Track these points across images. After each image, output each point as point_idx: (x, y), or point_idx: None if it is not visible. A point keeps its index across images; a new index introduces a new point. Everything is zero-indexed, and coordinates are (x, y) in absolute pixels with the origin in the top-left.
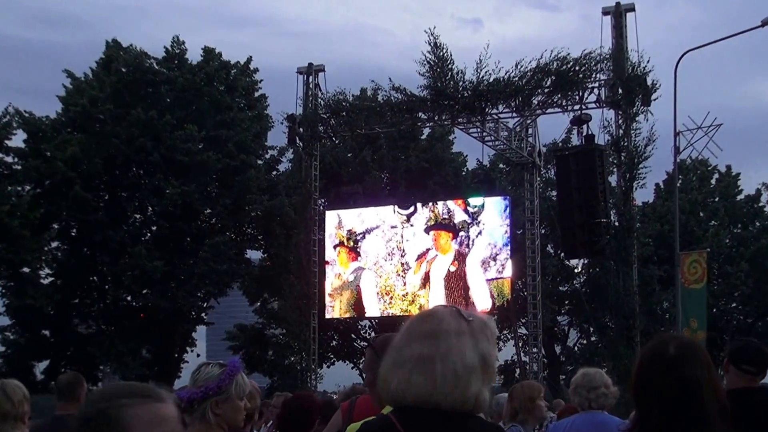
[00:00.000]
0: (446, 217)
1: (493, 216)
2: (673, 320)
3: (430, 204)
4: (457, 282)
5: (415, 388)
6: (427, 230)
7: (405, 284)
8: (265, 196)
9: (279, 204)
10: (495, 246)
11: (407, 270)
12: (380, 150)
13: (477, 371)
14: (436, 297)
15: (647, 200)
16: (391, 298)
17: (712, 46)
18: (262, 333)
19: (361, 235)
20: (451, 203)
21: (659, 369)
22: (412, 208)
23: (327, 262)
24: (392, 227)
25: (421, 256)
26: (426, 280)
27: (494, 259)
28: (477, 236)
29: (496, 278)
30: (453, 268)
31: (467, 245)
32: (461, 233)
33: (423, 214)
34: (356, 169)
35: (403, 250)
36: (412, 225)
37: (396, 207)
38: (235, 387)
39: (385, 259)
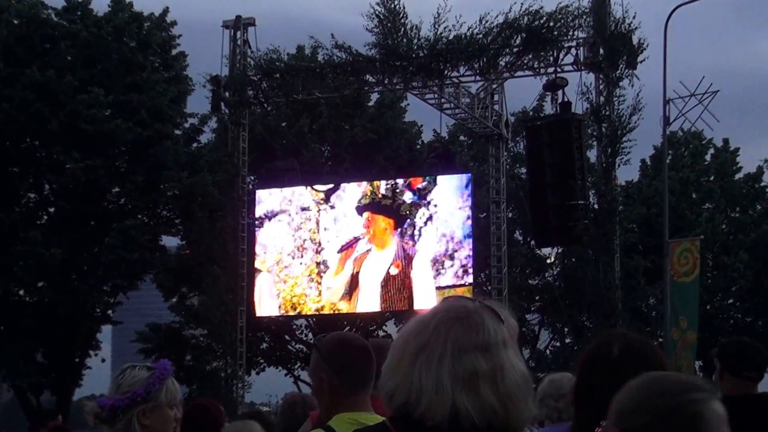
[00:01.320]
0: (387, 195)
1: (448, 197)
2: (660, 319)
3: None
4: (399, 292)
5: (474, 408)
6: (360, 210)
7: (320, 292)
8: (184, 172)
9: (200, 182)
10: (452, 239)
11: (325, 272)
12: (320, 119)
13: (530, 385)
14: (366, 310)
15: (632, 179)
16: (299, 312)
17: (708, 0)
18: (179, 334)
19: (258, 222)
20: (400, 182)
21: (600, 373)
22: (331, 185)
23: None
24: (303, 209)
25: (346, 249)
26: (353, 285)
27: (451, 258)
28: (425, 224)
29: (453, 286)
30: (395, 271)
31: (412, 236)
32: (407, 221)
33: (351, 191)
34: (292, 141)
35: (319, 243)
36: (332, 207)
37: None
38: (165, 393)
39: (293, 255)
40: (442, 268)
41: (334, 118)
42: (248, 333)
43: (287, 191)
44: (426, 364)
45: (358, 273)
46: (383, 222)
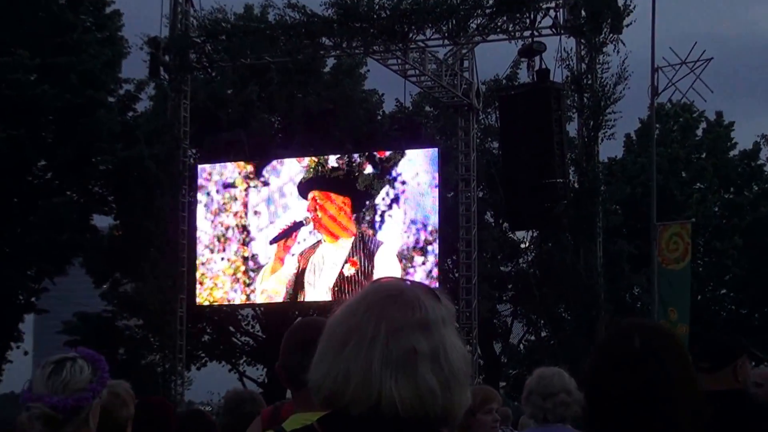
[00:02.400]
0: (338, 167)
1: (420, 173)
2: (647, 310)
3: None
4: None
5: (406, 394)
6: (304, 189)
7: (248, 296)
8: (118, 144)
9: (136, 155)
10: (424, 227)
11: (255, 269)
12: (270, 86)
13: (470, 368)
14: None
15: (615, 155)
16: (243, 303)
17: None
18: (111, 324)
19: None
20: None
21: (619, 366)
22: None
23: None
24: (226, 186)
25: (282, 238)
26: (297, 287)
27: (423, 252)
28: (389, 206)
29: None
30: (351, 270)
31: (372, 222)
32: (367, 202)
33: (291, 166)
34: (239, 110)
35: (247, 232)
36: (265, 183)
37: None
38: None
39: (212, 248)
40: (411, 265)
41: (286, 86)
42: (189, 324)
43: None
44: (355, 348)
45: (304, 271)
46: (336, 202)
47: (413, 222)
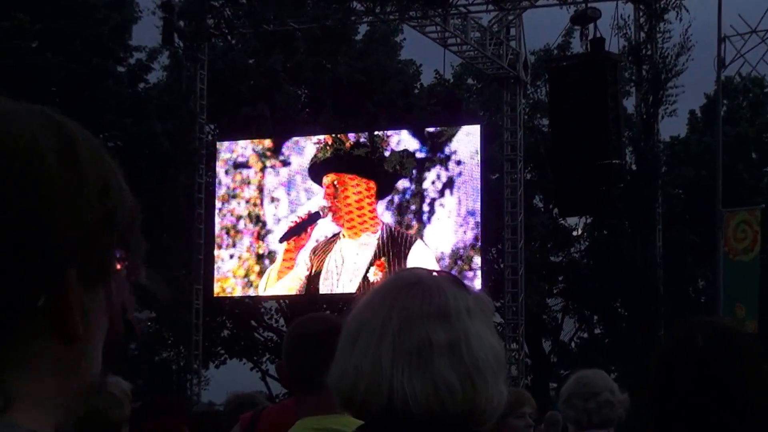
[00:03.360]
0: (361, 143)
1: (475, 155)
2: (711, 305)
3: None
4: None
5: (420, 389)
6: (317, 172)
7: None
8: (128, 119)
9: (148, 131)
10: (475, 217)
11: (267, 265)
12: (296, 55)
13: (502, 363)
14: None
15: (678, 134)
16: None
17: None
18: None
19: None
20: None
21: (683, 367)
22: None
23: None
24: (237, 166)
25: (294, 235)
26: (310, 292)
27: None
28: (440, 193)
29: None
30: (377, 276)
31: (417, 212)
32: (402, 182)
33: (312, 142)
34: (261, 82)
35: (263, 222)
36: (285, 162)
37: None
38: None
39: (220, 242)
40: (469, 268)
41: (314, 55)
42: (206, 317)
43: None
44: (365, 341)
45: (318, 274)
46: (358, 185)
47: (470, 213)
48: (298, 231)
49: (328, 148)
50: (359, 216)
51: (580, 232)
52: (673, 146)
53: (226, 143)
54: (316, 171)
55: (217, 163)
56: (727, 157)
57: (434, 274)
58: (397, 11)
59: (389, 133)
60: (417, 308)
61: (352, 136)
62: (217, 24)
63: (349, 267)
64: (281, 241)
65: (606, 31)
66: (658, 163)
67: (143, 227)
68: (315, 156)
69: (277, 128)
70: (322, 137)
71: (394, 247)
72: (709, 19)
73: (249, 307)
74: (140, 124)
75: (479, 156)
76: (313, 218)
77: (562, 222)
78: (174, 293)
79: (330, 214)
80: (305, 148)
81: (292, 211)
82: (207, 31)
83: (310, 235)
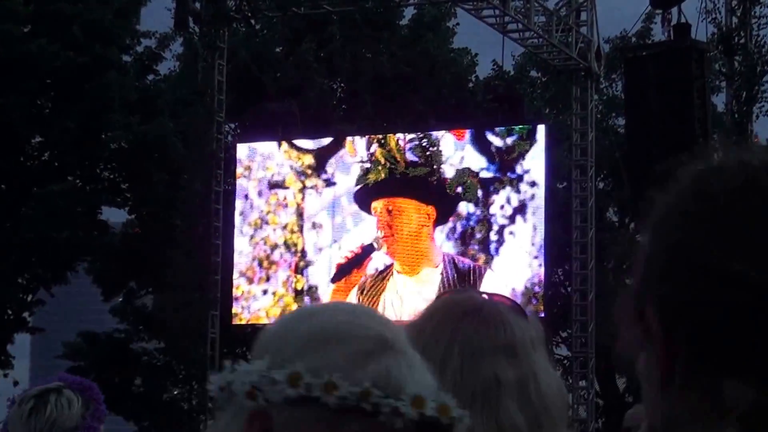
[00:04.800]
0: (418, 162)
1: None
2: None
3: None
4: None
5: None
6: (363, 197)
7: None
8: (135, 116)
9: (158, 130)
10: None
11: (306, 304)
12: (331, 43)
13: (566, 401)
14: None
15: None
16: None
17: None
18: (124, 347)
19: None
20: (447, 135)
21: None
22: (329, 139)
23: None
24: (272, 186)
25: (346, 274)
26: None
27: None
28: (512, 219)
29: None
30: None
31: (483, 242)
32: (464, 206)
33: (360, 149)
34: (290, 73)
35: (302, 252)
36: (330, 182)
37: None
38: None
39: (251, 276)
40: (542, 310)
41: (351, 43)
42: (222, 348)
43: (275, 149)
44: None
45: None
46: (415, 213)
47: (535, 228)
48: (350, 268)
49: (376, 166)
50: (416, 248)
51: None
52: None
53: (247, 145)
54: (362, 195)
55: (238, 169)
56: None
57: (488, 297)
58: None
59: (440, 133)
60: (481, 342)
61: (401, 140)
62: (238, 6)
63: (409, 309)
64: (333, 281)
65: (692, 16)
66: None
67: (152, 243)
68: (365, 177)
69: (307, 128)
70: (369, 151)
71: (461, 281)
72: None
73: None
74: (149, 122)
75: (543, 162)
76: (366, 252)
77: (640, 239)
78: (186, 320)
79: (384, 246)
80: (351, 167)
81: (335, 241)
82: (227, 14)
83: (365, 272)
